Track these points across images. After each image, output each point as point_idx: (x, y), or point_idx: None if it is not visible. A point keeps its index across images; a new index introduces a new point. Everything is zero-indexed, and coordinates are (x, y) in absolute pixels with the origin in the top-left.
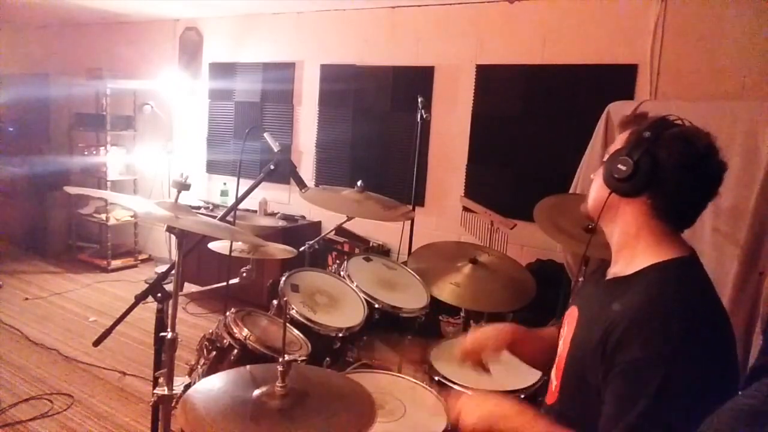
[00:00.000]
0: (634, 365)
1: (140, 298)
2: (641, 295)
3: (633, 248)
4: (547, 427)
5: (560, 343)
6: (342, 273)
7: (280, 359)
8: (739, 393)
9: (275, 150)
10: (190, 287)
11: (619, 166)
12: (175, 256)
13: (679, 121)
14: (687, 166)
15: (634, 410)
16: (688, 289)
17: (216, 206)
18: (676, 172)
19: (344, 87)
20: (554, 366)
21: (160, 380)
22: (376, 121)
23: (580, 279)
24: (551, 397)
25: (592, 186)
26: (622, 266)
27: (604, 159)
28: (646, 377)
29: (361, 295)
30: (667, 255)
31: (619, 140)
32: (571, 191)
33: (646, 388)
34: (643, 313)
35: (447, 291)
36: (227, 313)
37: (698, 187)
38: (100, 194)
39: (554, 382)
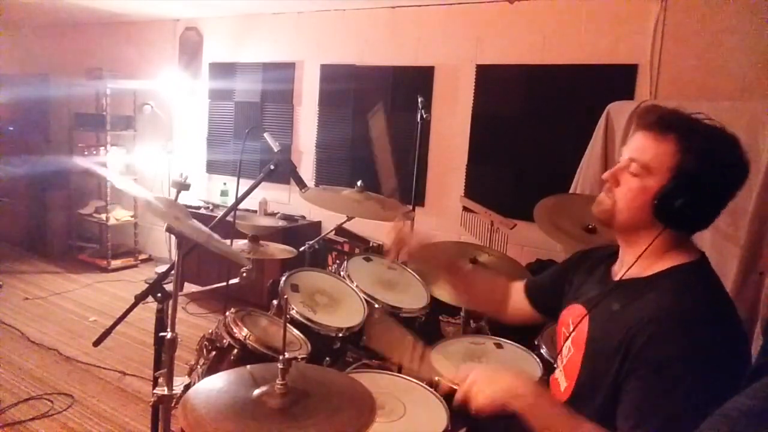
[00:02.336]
0: (662, 364)
1: (140, 298)
2: (667, 298)
3: (654, 254)
4: (567, 415)
5: (567, 344)
6: (342, 273)
7: (281, 357)
8: (740, 393)
9: (275, 150)
10: (190, 287)
11: (685, 209)
12: (175, 256)
13: (725, 133)
14: (732, 193)
15: (661, 409)
16: (708, 290)
17: (216, 206)
18: (722, 199)
19: (344, 87)
20: (561, 366)
21: (160, 380)
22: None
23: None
24: (560, 397)
25: (623, 196)
26: (640, 269)
27: (632, 170)
28: (673, 376)
29: (361, 295)
30: (685, 258)
31: (659, 151)
32: (571, 191)
33: (674, 387)
34: (669, 316)
35: (447, 291)
36: (227, 313)
37: (726, 202)
38: (106, 173)
39: (563, 382)
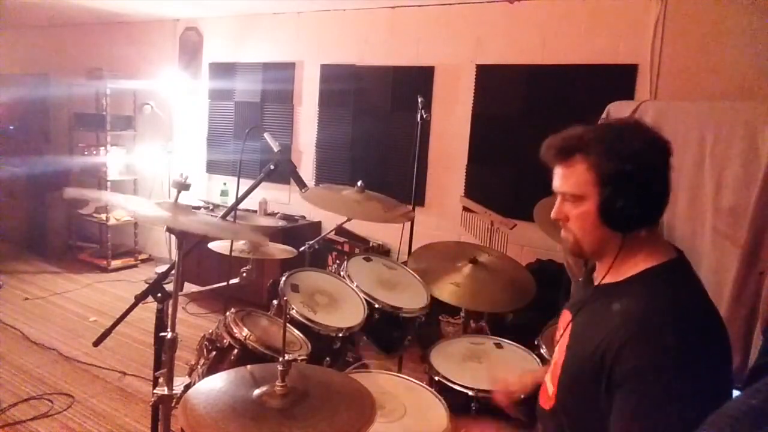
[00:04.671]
0: (633, 375)
1: (140, 298)
2: (636, 304)
3: (625, 259)
4: None
5: (557, 348)
6: (342, 273)
7: (280, 359)
8: (740, 393)
9: (275, 150)
10: (190, 287)
11: (628, 208)
12: (175, 256)
13: (624, 123)
14: (665, 171)
15: (636, 420)
16: (679, 293)
17: (216, 206)
18: (659, 182)
19: (344, 87)
20: (549, 370)
21: (160, 380)
22: (376, 121)
23: (580, 279)
24: (548, 402)
25: (577, 226)
26: (615, 274)
27: (569, 201)
28: (644, 386)
29: (361, 295)
30: (657, 259)
31: (576, 175)
32: None
33: (645, 396)
34: (639, 323)
35: (447, 291)
36: (227, 313)
37: (666, 182)
38: (100, 196)
39: (551, 387)
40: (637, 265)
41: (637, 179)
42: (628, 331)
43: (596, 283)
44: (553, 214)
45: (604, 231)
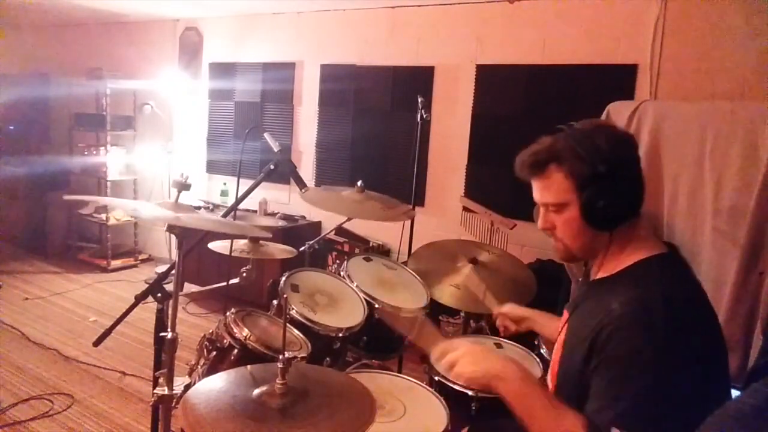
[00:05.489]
0: (622, 359)
1: (140, 298)
2: (626, 294)
3: (615, 254)
4: (549, 403)
5: (556, 346)
6: (342, 273)
7: (281, 356)
8: (740, 393)
9: (275, 150)
10: (190, 287)
11: (610, 206)
12: (175, 256)
13: (588, 125)
14: (636, 162)
15: (621, 402)
16: (668, 282)
17: (216, 206)
18: (636, 181)
19: (344, 87)
20: (550, 368)
21: (160, 380)
22: (376, 121)
23: (580, 279)
24: None
25: (564, 233)
26: (606, 270)
27: (552, 211)
28: (633, 370)
29: (361, 295)
30: (646, 253)
31: (554, 185)
32: None
33: (633, 380)
34: (628, 311)
35: (447, 293)
36: (227, 313)
37: (639, 172)
38: (100, 200)
39: (550, 384)
40: (626, 259)
41: (611, 177)
42: (617, 319)
43: (590, 280)
44: (539, 226)
45: (590, 232)
